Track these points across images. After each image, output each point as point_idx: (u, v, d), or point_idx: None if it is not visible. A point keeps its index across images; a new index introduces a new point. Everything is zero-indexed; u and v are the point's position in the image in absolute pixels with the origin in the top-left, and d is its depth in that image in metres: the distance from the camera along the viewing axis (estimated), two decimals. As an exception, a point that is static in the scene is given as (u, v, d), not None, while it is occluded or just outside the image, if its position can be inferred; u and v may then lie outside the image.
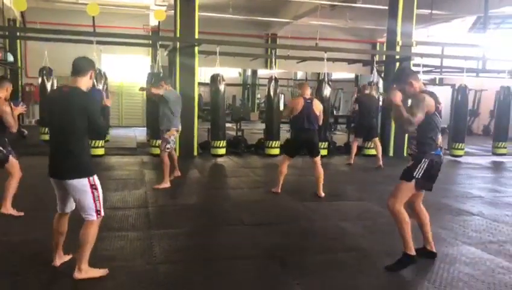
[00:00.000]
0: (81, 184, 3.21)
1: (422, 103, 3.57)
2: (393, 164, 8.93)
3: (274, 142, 10.07)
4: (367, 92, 9.82)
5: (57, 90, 3.48)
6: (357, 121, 10.06)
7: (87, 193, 3.23)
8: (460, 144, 10.93)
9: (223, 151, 9.52)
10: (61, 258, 3.57)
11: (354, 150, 9.48)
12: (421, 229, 4.02)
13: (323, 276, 3.64)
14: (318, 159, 6.38)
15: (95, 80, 8.53)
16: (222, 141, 9.50)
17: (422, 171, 3.64)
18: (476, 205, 6.16)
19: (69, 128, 3.21)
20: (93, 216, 3.28)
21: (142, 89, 7.59)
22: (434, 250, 4.01)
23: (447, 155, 11.31)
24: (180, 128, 6.87)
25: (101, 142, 9.37)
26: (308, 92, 6.36)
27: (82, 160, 3.25)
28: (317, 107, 6.29)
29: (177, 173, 7.16)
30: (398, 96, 3.57)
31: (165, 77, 7.66)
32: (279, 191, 6.46)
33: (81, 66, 3.32)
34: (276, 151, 10.02)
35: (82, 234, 3.28)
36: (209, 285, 3.42)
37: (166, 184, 6.57)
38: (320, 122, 6.44)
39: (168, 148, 6.62)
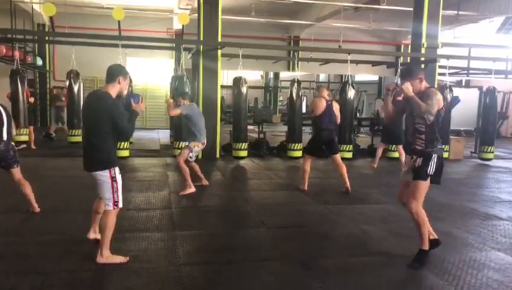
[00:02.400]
0: (102, 175, 3.58)
1: (435, 97, 3.71)
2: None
3: (296, 144, 10.03)
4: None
5: (92, 94, 3.81)
6: (383, 126, 9.88)
7: (107, 184, 3.59)
8: (490, 147, 10.63)
9: (244, 153, 9.55)
10: (95, 234, 4.05)
11: (379, 154, 9.34)
12: None
13: (346, 279, 3.60)
14: (338, 156, 6.80)
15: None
16: (244, 144, 9.53)
17: (434, 166, 3.77)
18: (505, 210, 5.99)
19: (94, 128, 3.57)
20: (110, 206, 3.63)
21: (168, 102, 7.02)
22: (436, 236, 4.09)
23: (473, 159, 11.06)
24: (205, 141, 6.70)
25: (125, 144, 9.53)
26: (326, 94, 6.81)
27: (104, 155, 3.58)
28: (336, 107, 6.78)
29: (205, 182, 6.97)
30: (411, 89, 3.75)
31: (182, 92, 7.54)
32: (306, 188, 6.76)
33: (109, 73, 3.64)
34: (299, 153, 9.98)
35: (101, 221, 3.69)
36: (232, 287, 3.42)
37: (191, 189, 6.40)
38: (339, 121, 6.85)
39: (190, 157, 6.53)
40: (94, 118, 3.55)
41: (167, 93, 14.64)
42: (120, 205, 3.67)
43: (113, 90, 3.61)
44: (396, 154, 10.01)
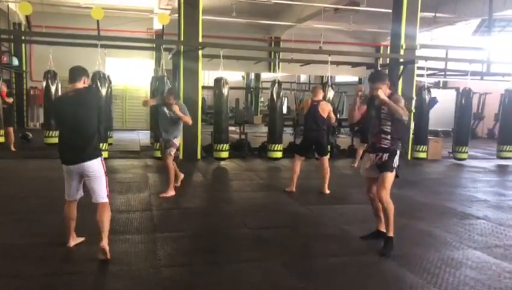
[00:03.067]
0: (98, 165, 3.80)
1: (402, 101, 4.14)
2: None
3: (277, 145, 10.05)
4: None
5: (65, 95, 4.03)
6: (363, 126, 9.92)
7: (100, 174, 3.81)
8: (464, 147, 10.86)
9: (225, 154, 9.53)
10: (74, 240, 4.06)
11: (360, 153, 9.43)
12: (376, 213, 4.47)
13: (328, 280, 3.62)
14: (325, 158, 6.76)
15: (99, 83, 8.59)
16: (225, 145, 9.51)
17: (397, 161, 4.21)
18: (481, 209, 6.12)
19: (87, 123, 3.81)
20: (105, 198, 3.85)
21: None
22: (384, 230, 4.35)
23: (450, 159, 11.28)
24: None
25: (104, 145, 9.38)
26: (319, 96, 6.70)
27: (96, 144, 3.95)
28: (324, 108, 6.61)
29: (181, 176, 6.94)
30: (383, 94, 4.06)
31: (172, 90, 7.54)
32: (294, 190, 6.75)
33: (74, 73, 3.90)
34: (279, 154, 10.00)
35: (100, 216, 3.80)
36: (213, 289, 3.40)
37: (172, 192, 6.33)
38: (332, 121, 6.89)
39: (176, 154, 6.67)
40: (86, 114, 3.80)
41: (147, 94, 14.50)
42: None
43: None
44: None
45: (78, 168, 3.79)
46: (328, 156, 6.86)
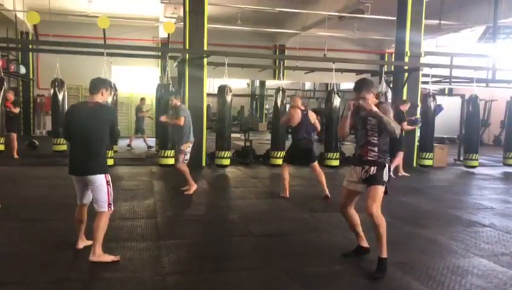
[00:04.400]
0: (100, 179, 3.85)
1: (391, 112, 3.91)
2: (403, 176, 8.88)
3: (280, 152, 10.04)
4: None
5: (84, 106, 4.05)
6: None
7: (104, 187, 3.87)
8: (475, 155, 10.78)
9: (227, 161, 9.53)
10: (83, 242, 4.17)
11: (395, 163, 8.94)
12: (355, 229, 4.23)
13: (333, 288, 3.61)
14: (315, 164, 6.87)
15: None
16: (227, 152, 9.51)
17: (387, 174, 3.93)
18: (488, 217, 6.07)
19: (95, 136, 3.87)
20: (104, 208, 3.88)
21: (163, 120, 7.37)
22: (368, 245, 4.20)
23: (456, 166, 11.22)
24: (193, 140, 6.98)
25: (110, 153, 9.42)
26: (300, 104, 6.87)
27: (102, 160, 3.95)
28: (312, 116, 6.86)
29: (194, 186, 7.10)
30: (372, 104, 3.76)
31: (176, 92, 7.72)
32: (287, 195, 6.83)
33: (93, 85, 3.97)
34: (281, 161, 9.99)
35: (96, 223, 3.85)
36: (218, 296, 3.40)
37: (194, 186, 6.88)
38: (318, 129, 7.04)
39: (186, 160, 6.81)
40: (96, 127, 3.87)
41: (153, 102, 14.57)
42: (112, 207, 3.95)
43: (101, 100, 3.99)
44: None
45: (82, 179, 3.92)
46: (316, 162, 6.93)
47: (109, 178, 3.92)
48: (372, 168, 3.87)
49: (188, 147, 6.79)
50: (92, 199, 3.97)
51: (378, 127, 3.84)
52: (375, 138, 3.88)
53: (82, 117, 3.90)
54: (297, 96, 7.25)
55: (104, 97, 4.00)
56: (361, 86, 3.89)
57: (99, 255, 3.82)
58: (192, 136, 6.90)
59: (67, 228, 4.91)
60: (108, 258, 3.86)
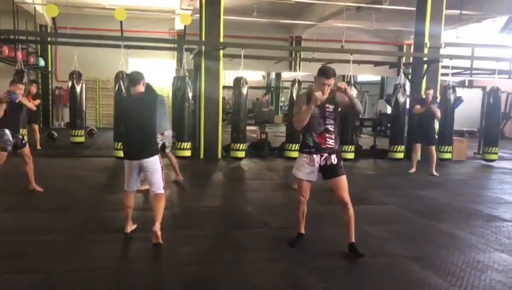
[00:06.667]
0: (156, 161, 4.31)
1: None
2: (418, 168, 8.75)
3: (295, 145, 9.98)
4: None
5: (130, 97, 4.43)
6: (415, 125, 9.38)
7: (159, 169, 4.33)
8: (494, 148, 10.57)
9: (242, 154, 9.50)
10: (131, 226, 4.49)
11: (415, 158, 8.84)
12: (302, 215, 4.39)
13: (349, 280, 3.59)
14: None
15: (122, 83, 8.69)
16: (242, 144, 9.50)
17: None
18: (509, 211, 5.95)
19: (151, 122, 4.32)
20: (161, 190, 4.33)
21: None
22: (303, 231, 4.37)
23: (476, 159, 11.02)
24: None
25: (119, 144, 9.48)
26: None
27: (156, 144, 4.52)
28: None
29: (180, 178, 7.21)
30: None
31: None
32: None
33: (134, 78, 4.34)
34: (296, 154, 9.93)
35: (156, 205, 4.28)
36: (234, 287, 3.41)
37: (179, 177, 7.12)
38: None
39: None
40: (148, 115, 4.29)
41: (169, 94, 14.64)
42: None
43: (142, 90, 4.35)
44: (398, 155, 10.04)
45: (140, 163, 4.26)
46: None
47: (161, 159, 4.36)
48: (333, 157, 3.98)
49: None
50: (148, 183, 4.43)
51: (334, 115, 3.97)
52: (332, 126, 3.98)
53: (133, 107, 4.28)
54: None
55: (143, 87, 4.35)
56: (332, 72, 3.95)
57: (159, 229, 4.14)
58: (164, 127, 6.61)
59: (86, 218, 4.98)
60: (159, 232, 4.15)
